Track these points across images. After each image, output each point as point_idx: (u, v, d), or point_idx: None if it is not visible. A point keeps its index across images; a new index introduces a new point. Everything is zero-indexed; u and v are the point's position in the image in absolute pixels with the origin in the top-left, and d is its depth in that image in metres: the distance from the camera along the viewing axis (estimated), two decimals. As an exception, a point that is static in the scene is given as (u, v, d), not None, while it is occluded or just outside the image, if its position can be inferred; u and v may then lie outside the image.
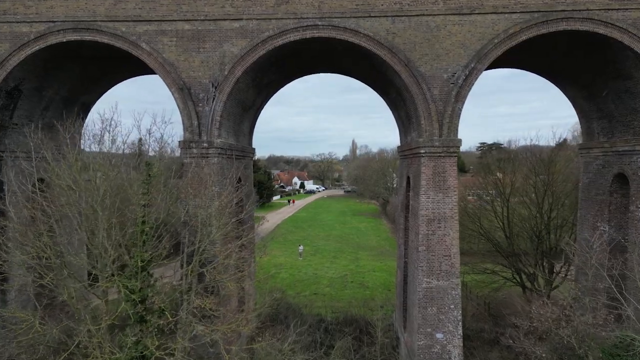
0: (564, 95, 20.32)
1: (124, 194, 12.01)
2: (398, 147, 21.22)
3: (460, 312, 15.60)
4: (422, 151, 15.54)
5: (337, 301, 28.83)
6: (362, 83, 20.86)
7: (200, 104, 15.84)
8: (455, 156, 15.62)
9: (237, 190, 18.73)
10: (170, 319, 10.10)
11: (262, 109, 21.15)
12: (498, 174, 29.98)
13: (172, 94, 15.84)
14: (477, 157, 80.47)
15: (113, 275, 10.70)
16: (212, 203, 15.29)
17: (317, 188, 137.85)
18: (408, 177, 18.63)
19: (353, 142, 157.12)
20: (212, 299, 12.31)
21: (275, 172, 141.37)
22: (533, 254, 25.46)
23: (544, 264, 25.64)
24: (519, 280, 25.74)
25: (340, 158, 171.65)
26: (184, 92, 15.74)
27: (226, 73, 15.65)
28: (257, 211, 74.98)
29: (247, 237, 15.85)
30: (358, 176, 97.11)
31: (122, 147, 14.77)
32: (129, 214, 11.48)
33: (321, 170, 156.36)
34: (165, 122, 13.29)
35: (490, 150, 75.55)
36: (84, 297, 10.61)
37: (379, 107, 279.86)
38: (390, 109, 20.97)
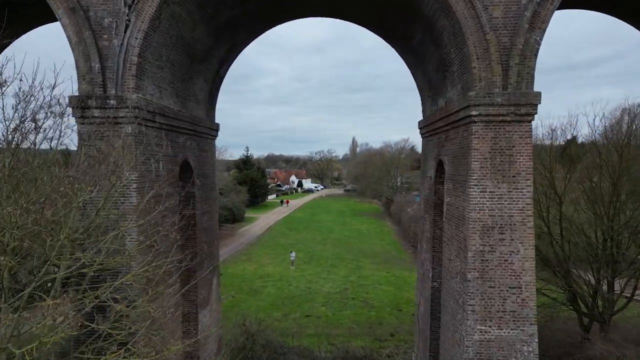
0: None
1: None
2: (420, 122, 15.01)
3: (536, 381, 9.38)
4: (474, 113, 9.31)
5: (335, 327, 22.61)
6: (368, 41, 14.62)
7: (106, 35, 9.61)
8: (529, 122, 9.40)
9: (179, 184, 12.54)
10: None
11: (226, 65, 14.91)
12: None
13: (60, 19, 9.61)
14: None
15: None
16: (123, 201, 9.12)
17: (315, 187, 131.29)
18: (440, 162, 12.41)
19: (353, 139, 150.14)
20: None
21: (271, 170, 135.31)
22: (593, 268, 19.26)
23: (605, 281, 19.44)
24: (571, 303, 19.52)
25: (340, 157, 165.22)
26: (78, 16, 9.51)
27: (147, -17, 9.42)
28: (249, 211, 68.96)
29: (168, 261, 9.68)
30: (359, 174, 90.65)
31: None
32: None
33: (320, 168, 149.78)
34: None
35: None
36: None
37: (379, 106, 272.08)
38: (411, 67, 14.75)
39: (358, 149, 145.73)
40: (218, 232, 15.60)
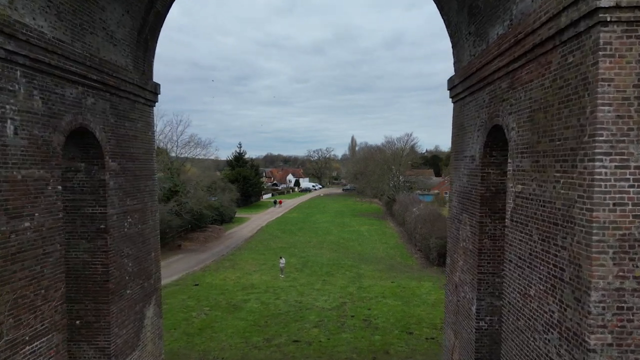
0: None
1: None
2: (451, 79, 10.26)
3: None
4: (605, 4, 4.52)
5: (330, 357, 17.79)
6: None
7: None
8: None
9: (78, 167, 7.78)
10: None
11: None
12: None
13: None
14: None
15: None
16: None
17: (313, 186, 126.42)
18: (495, 128, 7.62)
19: (352, 138, 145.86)
20: None
21: (268, 169, 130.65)
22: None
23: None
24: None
25: (339, 157, 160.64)
26: None
27: None
28: (241, 211, 64.10)
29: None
30: (358, 172, 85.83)
31: None
32: None
33: (318, 167, 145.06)
34: None
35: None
36: None
37: (378, 107, 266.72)
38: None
39: (357, 148, 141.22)
40: (157, 240, 10.78)
